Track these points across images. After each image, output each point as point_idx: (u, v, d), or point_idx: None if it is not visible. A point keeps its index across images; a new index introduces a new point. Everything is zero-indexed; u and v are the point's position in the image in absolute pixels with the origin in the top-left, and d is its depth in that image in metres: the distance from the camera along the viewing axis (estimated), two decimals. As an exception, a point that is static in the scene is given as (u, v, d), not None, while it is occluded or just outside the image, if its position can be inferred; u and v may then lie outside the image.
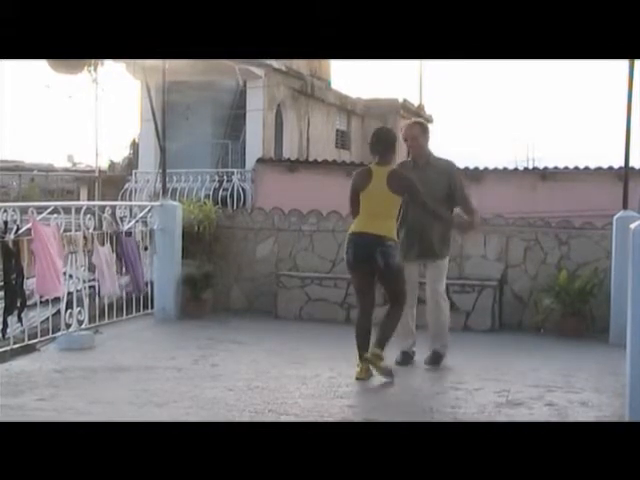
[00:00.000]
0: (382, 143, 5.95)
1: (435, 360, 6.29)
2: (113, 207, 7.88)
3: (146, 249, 8.26)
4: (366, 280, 5.92)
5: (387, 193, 5.78)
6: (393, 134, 6.20)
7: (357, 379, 5.72)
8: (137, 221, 8.13)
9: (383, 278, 5.89)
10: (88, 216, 7.09)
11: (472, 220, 6.35)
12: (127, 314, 7.83)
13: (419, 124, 6.68)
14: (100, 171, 18.73)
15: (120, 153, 21.06)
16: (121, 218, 7.78)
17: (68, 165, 24.96)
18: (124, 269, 7.52)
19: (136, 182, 15.72)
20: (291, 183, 14.83)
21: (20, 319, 6.21)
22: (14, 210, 6.29)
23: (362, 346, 5.78)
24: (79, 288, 6.96)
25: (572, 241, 8.32)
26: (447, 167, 6.40)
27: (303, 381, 5.74)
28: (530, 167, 18.69)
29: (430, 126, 6.50)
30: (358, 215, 5.91)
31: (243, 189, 15.29)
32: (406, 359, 6.34)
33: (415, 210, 6.06)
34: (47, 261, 6.30)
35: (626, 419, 4.67)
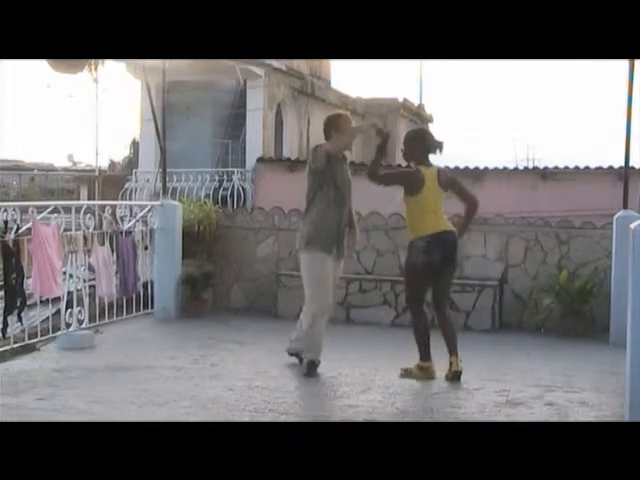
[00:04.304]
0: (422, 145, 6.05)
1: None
2: (113, 207, 7.88)
3: (146, 249, 8.26)
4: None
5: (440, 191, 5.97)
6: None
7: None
8: (137, 221, 8.13)
9: (450, 276, 6.07)
10: (88, 215, 7.09)
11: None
12: (127, 314, 7.84)
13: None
14: (100, 170, 18.74)
15: (120, 152, 21.09)
16: (121, 217, 7.79)
17: (68, 164, 24.97)
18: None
19: (136, 181, 15.71)
20: (291, 183, 14.77)
21: (20, 318, 6.22)
22: (14, 209, 6.29)
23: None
24: (79, 287, 6.97)
25: (572, 241, 8.32)
26: None
27: (303, 381, 5.74)
28: (530, 167, 18.66)
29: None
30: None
31: (243, 189, 15.28)
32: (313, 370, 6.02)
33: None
34: (43, 261, 6.29)
35: (626, 419, 4.67)
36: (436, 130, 22.69)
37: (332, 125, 6.12)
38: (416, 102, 22.44)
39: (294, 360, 6.27)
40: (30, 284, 6.36)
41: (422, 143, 6.02)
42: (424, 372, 5.88)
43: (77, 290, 6.92)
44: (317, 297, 5.91)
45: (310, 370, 5.92)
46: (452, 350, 5.87)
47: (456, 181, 6.12)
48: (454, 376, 5.80)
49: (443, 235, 5.86)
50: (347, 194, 6.02)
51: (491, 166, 14.42)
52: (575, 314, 7.91)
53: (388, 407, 5.21)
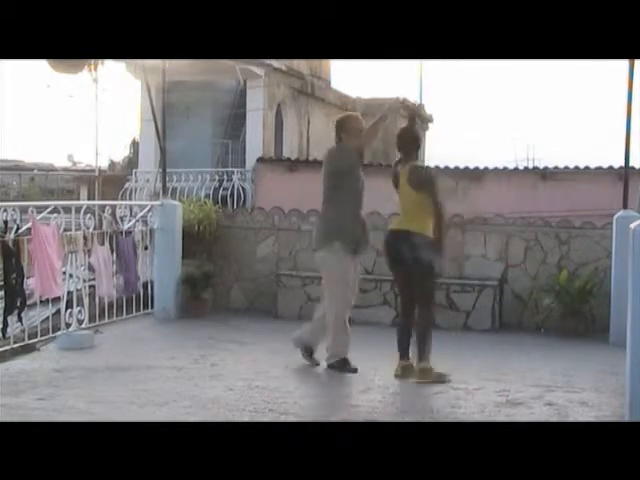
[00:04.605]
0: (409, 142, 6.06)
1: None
2: (113, 207, 7.88)
3: (146, 249, 8.26)
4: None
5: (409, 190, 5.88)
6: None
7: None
8: (137, 220, 8.13)
9: (416, 277, 5.92)
10: (88, 215, 7.09)
11: None
12: (127, 313, 7.84)
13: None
14: (100, 170, 18.74)
15: (120, 152, 21.09)
16: (121, 217, 7.79)
17: (68, 164, 24.97)
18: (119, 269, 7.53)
19: (136, 181, 15.70)
20: (291, 183, 14.80)
21: (20, 318, 6.22)
22: (14, 209, 6.29)
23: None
24: (79, 287, 6.97)
25: (572, 241, 8.33)
26: None
27: (303, 381, 5.74)
28: (530, 167, 18.66)
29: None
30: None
31: (243, 189, 15.27)
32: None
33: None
34: (43, 261, 6.30)
35: (626, 419, 4.67)
36: (436, 130, 22.67)
37: (342, 127, 6.15)
38: (416, 102, 22.43)
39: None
40: (30, 284, 6.37)
41: (414, 141, 6.07)
42: (406, 370, 5.89)
43: (77, 290, 6.92)
44: (339, 296, 5.99)
45: (345, 367, 5.98)
46: (419, 355, 5.82)
47: (427, 183, 5.87)
48: (437, 379, 5.76)
49: (392, 233, 5.95)
50: (363, 193, 6.13)
51: (491, 166, 14.42)
52: (575, 314, 7.91)
53: (388, 407, 5.21)
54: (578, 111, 55.13)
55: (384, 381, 5.80)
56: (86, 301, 7.08)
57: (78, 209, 7.11)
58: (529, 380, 5.93)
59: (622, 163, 8.02)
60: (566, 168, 13.97)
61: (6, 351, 6.18)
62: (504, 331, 8.12)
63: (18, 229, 6.26)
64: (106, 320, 7.45)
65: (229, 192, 14.96)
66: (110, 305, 7.49)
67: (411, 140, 6.08)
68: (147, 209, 8.45)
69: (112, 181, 17.67)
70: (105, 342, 6.99)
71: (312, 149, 17.29)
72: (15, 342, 6.28)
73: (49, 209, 6.82)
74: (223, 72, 14.58)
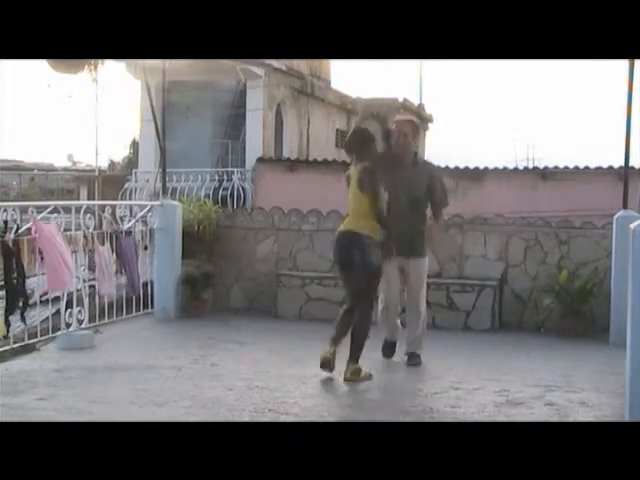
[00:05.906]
0: (356, 143, 5.95)
1: (415, 361, 6.33)
2: (113, 206, 7.88)
3: (146, 249, 8.26)
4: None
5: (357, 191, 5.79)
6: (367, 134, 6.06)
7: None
8: (137, 220, 8.13)
9: (351, 278, 5.83)
10: (88, 215, 7.09)
11: (435, 226, 6.32)
12: (127, 314, 7.84)
13: (412, 122, 6.52)
14: (100, 170, 18.74)
15: (120, 152, 21.10)
16: (121, 217, 7.79)
17: (68, 164, 24.98)
18: (122, 269, 7.54)
19: (136, 181, 15.71)
20: (291, 183, 14.82)
21: (23, 318, 6.22)
22: (14, 209, 6.29)
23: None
24: (79, 287, 6.97)
25: (572, 241, 8.32)
26: (431, 169, 6.53)
27: (303, 381, 5.74)
28: (530, 167, 18.66)
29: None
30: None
31: (243, 189, 15.28)
32: (389, 351, 6.46)
33: (395, 207, 6.02)
34: (56, 255, 6.31)
35: (626, 419, 4.67)
36: (436, 130, 22.68)
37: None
38: (416, 102, 22.44)
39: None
40: (32, 283, 6.37)
41: (364, 141, 5.94)
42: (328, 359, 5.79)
43: (77, 290, 6.92)
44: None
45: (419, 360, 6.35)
46: (351, 354, 5.75)
47: (372, 186, 5.78)
48: (366, 378, 5.75)
49: (340, 234, 5.90)
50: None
51: (491, 166, 14.43)
52: (575, 314, 7.91)
53: (388, 407, 5.21)
54: (578, 111, 55.22)
55: (384, 381, 5.80)
56: (86, 301, 7.08)
57: (78, 209, 7.11)
58: (529, 380, 5.93)
59: (622, 163, 8.02)
60: (566, 168, 13.97)
61: (6, 351, 6.18)
62: (504, 331, 8.11)
63: (18, 229, 6.26)
64: (106, 320, 7.45)
65: (229, 192, 14.96)
66: (110, 305, 7.49)
67: (361, 140, 5.93)
68: (147, 209, 8.45)
69: (112, 181, 17.67)
70: (105, 342, 6.99)
71: (312, 149, 17.30)
72: (15, 342, 6.28)
73: (49, 209, 6.83)
74: (223, 72, 14.60)
